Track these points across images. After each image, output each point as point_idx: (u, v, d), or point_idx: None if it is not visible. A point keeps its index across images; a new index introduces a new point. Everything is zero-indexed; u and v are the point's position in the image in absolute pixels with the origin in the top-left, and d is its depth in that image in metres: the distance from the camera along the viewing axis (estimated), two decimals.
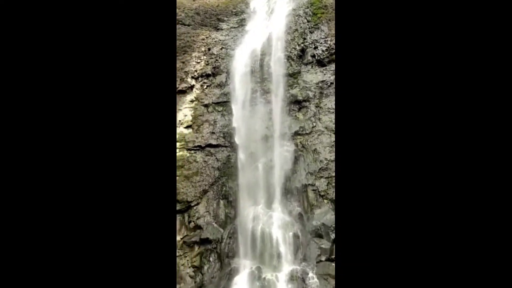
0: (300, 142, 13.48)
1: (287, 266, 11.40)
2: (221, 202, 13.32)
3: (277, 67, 14.78)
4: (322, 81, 14.40)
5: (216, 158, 14.13)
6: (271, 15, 16.87)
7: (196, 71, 15.93)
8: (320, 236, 11.72)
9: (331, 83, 14.32)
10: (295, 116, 13.95)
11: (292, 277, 11.02)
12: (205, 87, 15.55)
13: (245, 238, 12.13)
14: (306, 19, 15.84)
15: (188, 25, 17.62)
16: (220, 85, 15.35)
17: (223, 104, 14.93)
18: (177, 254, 12.56)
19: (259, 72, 15.03)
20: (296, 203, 12.53)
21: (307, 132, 13.65)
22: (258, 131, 13.81)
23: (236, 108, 14.53)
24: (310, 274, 10.90)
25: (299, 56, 15.15)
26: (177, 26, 17.14)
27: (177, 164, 14.29)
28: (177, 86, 15.87)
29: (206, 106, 15.09)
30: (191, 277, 12.09)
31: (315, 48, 15.02)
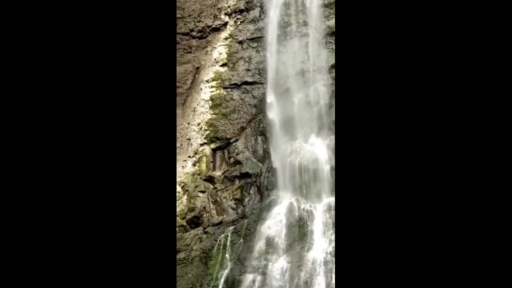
0: None
1: (325, 197, 11.72)
2: (259, 138, 13.58)
3: None
4: None
5: (252, 95, 14.19)
6: None
7: (229, 7, 15.59)
8: None
9: None
10: (332, 48, 13.54)
11: (329, 208, 11.36)
12: (238, 23, 15.27)
13: (284, 172, 12.46)
14: None
15: None
16: (253, 21, 15.01)
17: (258, 40, 14.68)
18: (219, 187, 13.18)
19: (294, 5, 14.48)
20: (333, 137, 12.56)
21: None
22: (293, 66, 13.61)
23: (270, 43, 14.27)
24: None
25: None
26: None
27: (214, 103, 14.53)
28: (211, 24, 15.69)
29: (241, 43, 14.92)
30: (233, 209, 12.75)
31: None
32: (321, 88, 13.13)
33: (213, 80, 14.80)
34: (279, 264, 10.71)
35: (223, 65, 14.91)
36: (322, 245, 10.77)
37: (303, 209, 11.54)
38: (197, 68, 15.54)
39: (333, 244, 10.66)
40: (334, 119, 12.81)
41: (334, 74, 13.33)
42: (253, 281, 10.52)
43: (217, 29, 15.52)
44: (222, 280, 10.83)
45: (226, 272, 10.97)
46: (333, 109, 12.95)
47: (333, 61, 13.46)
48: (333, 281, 10.08)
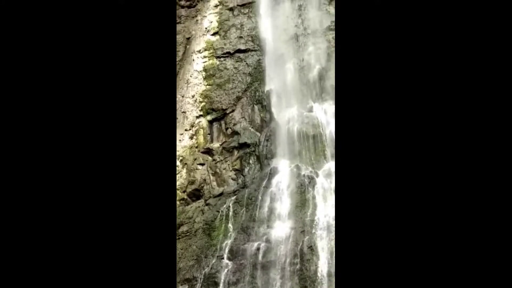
0: (333, 38, 12.85)
1: (325, 163, 11.62)
2: (256, 107, 13.36)
3: None
4: None
5: (247, 63, 13.88)
6: None
7: None
8: None
9: None
10: (326, 10, 13.14)
11: (330, 172, 11.28)
12: None
13: (282, 139, 12.31)
14: None
15: None
16: None
17: (249, 5, 14.24)
18: (218, 159, 13.05)
19: None
20: (331, 101, 12.35)
21: None
22: (287, 31, 13.24)
23: (262, 8, 13.84)
24: None
25: None
26: None
27: (208, 74, 14.21)
28: None
29: (231, 9, 14.47)
30: (233, 179, 12.66)
31: None
32: (317, 52, 12.82)
33: (205, 50, 14.43)
34: (282, 231, 10.71)
35: (214, 34, 14.51)
36: (324, 210, 10.74)
37: (304, 175, 11.45)
38: (188, 38, 15.13)
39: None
40: (331, 83, 12.57)
41: (328, 36, 12.98)
42: (258, 249, 10.54)
43: None
44: (227, 250, 10.84)
45: (230, 241, 10.98)
46: (329, 73, 12.68)
47: (327, 23, 13.09)
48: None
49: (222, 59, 14.13)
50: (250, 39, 13.92)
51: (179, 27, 15.06)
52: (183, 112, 14.35)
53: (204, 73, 14.27)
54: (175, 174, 12.94)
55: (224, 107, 13.63)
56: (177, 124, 14.39)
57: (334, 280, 9.45)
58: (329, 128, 11.95)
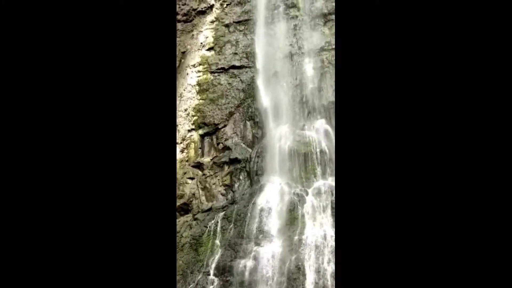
0: (326, 58, 13.03)
1: (315, 181, 11.64)
2: (248, 123, 13.40)
3: None
4: None
5: (241, 79, 13.96)
6: None
7: None
8: None
9: None
10: (321, 30, 13.35)
11: (320, 191, 11.29)
12: (225, 5, 14.93)
13: (273, 157, 12.32)
14: None
15: None
16: (240, 3, 14.70)
17: (245, 22, 14.39)
18: (208, 174, 13.00)
19: None
20: (323, 120, 12.45)
21: (334, 47, 13.12)
22: (281, 49, 13.40)
23: (258, 26, 14.01)
24: None
25: None
26: None
27: (202, 88, 14.25)
28: (196, 7, 15.31)
29: (227, 26, 14.61)
30: (222, 195, 12.60)
31: None
32: (310, 71, 12.96)
33: (200, 64, 14.50)
34: (270, 249, 10.63)
35: (209, 49, 14.61)
36: (313, 229, 10.72)
37: (294, 193, 11.44)
38: (183, 52, 15.20)
39: (324, 227, 10.61)
40: (324, 103, 12.68)
41: (322, 56, 13.17)
42: (245, 266, 10.43)
43: (202, 12, 15.16)
44: (213, 266, 10.72)
45: (217, 258, 10.85)
46: (322, 93, 12.81)
47: (322, 44, 13.29)
48: (324, 265, 10.06)
49: (216, 74, 14.21)
50: (244, 55, 14.05)
51: None
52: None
53: (197, 87, 14.31)
54: (175, 185, 12.82)
55: (216, 122, 13.64)
56: None
57: None
58: (320, 147, 12.01)
